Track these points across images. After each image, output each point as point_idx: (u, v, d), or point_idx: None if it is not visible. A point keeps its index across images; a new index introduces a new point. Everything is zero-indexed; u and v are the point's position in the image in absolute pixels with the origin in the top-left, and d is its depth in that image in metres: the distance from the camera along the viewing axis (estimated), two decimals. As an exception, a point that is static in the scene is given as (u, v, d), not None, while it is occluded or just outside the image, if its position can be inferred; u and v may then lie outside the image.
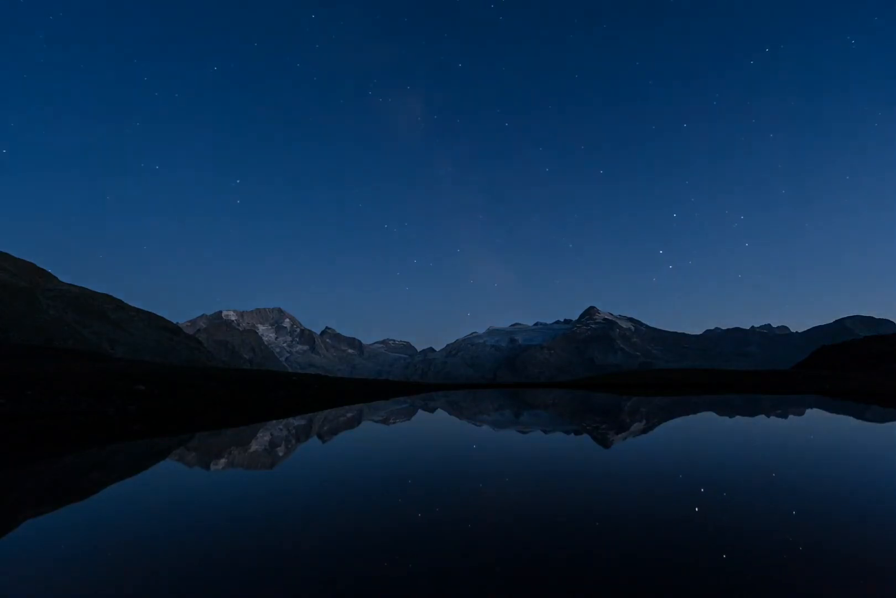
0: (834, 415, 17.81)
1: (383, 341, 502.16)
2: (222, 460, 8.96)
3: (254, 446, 10.82)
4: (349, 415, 19.74)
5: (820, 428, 13.11)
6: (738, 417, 17.28)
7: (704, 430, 12.98)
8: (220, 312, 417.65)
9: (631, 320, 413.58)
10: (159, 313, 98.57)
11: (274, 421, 16.98)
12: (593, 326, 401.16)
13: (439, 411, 21.63)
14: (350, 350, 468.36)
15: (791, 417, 17.05)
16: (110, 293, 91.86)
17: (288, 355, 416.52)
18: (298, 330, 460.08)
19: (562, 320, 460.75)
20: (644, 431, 12.89)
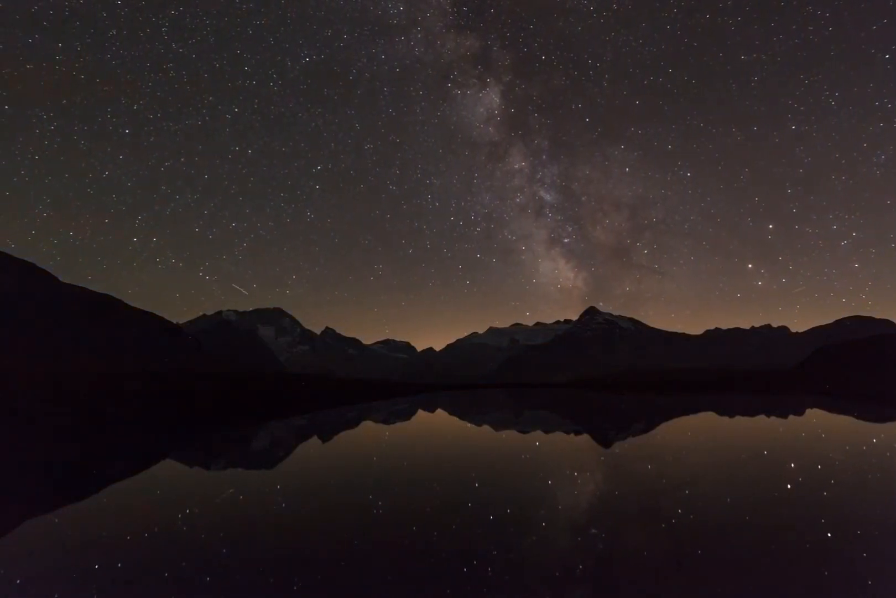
0: (834, 415, 17.79)
1: (384, 341, 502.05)
2: (222, 460, 8.97)
3: (254, 446, 10.84)
4: (349, 415, 19.75)
5: (820, 429, 13.11)
6: (738, 417, 17.26)
7: (704, 430, 12.98)
8: (220, 312, 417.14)
9: (631, 320, 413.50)
10: (159, 313, 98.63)
11: (274, 421, 17.00)
12: (593, 326, 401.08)
13: (440, 411, 21.63)
14: (350, 350, 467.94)
15: (791, 417, 17.05)
16: (110, 293, 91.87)
17: (288, 355, 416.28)
18: (298, 330, 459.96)
19: (562, 320, 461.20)
20: (644, 431, 12.90)
